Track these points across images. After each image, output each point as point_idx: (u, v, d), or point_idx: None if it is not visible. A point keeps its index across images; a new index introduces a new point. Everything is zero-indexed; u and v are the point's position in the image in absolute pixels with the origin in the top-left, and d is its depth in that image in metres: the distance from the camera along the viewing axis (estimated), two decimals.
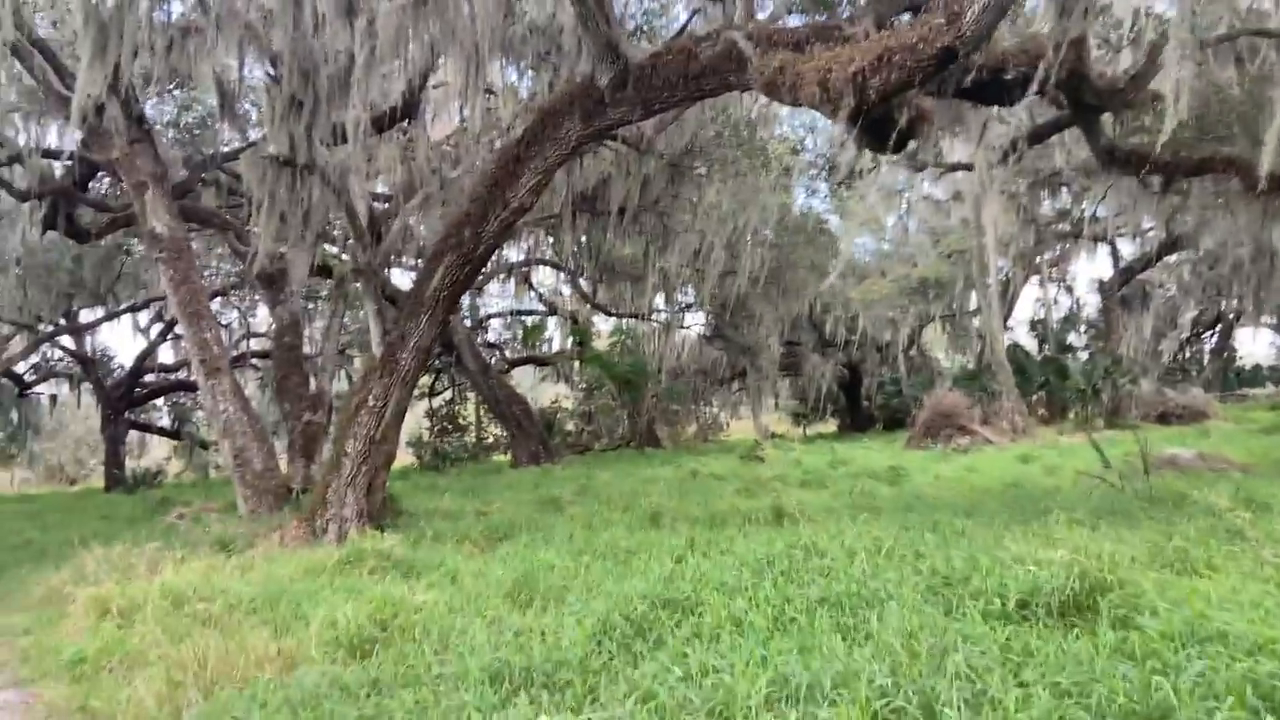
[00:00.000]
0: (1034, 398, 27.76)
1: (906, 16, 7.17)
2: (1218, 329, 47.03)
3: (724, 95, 14.34)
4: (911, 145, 6.81)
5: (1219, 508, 6.18)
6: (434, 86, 16.19)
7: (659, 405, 33.46)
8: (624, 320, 33.43)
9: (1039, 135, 19.30)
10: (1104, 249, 35.61)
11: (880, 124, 5.93)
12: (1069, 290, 45.38)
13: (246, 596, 6.60)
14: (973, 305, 42.18)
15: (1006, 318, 38.33)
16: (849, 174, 21.12)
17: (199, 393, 13.22)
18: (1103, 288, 31.09)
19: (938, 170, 25.90)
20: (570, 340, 32.52)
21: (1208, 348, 48.74)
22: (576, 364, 34.42)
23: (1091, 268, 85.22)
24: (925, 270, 28.56)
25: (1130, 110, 9.21)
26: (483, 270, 10.56)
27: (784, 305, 25.39)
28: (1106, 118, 10.25)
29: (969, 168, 20.92)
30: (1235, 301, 45.96)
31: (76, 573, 9.82)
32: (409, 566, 7.53)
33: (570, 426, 36.25)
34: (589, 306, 30.95)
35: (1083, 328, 43.90)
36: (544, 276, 32.96)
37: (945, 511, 8.19)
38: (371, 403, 10.79)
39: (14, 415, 35.97)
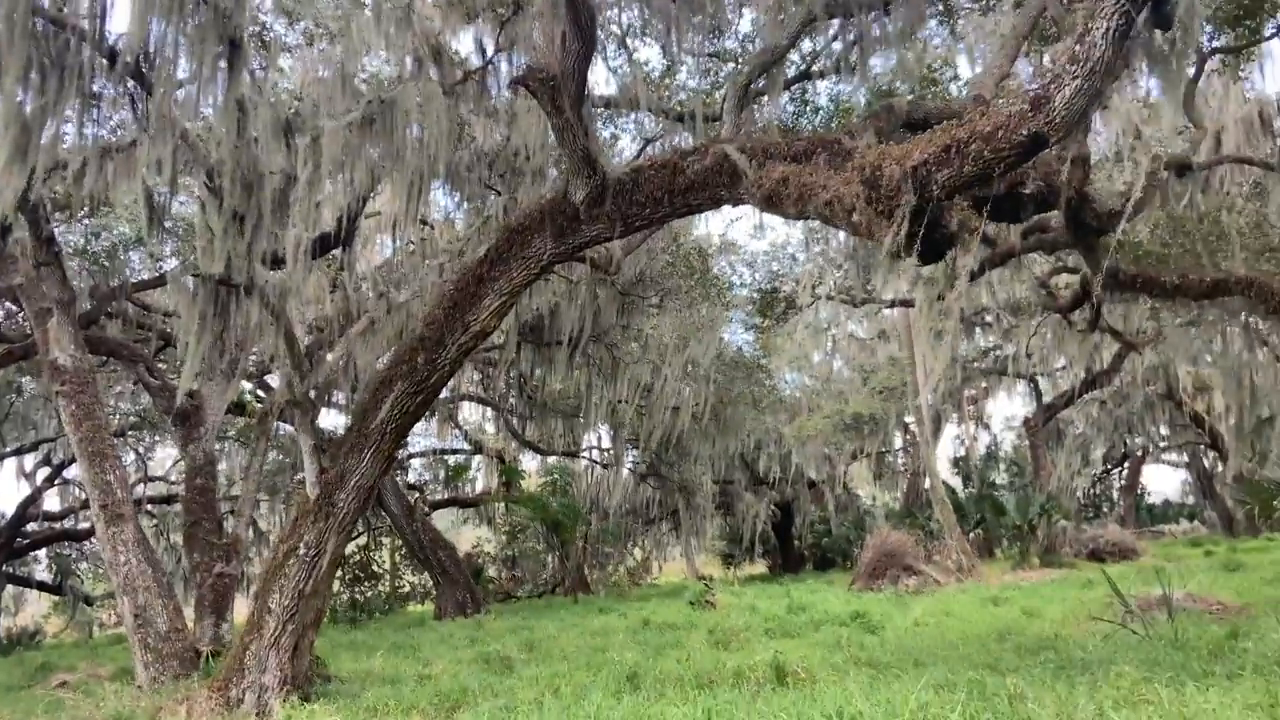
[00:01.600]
0: (970, 535, 27.45)
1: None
2: (1125, 466, 48.29)
3: (675, 224, 14.06)
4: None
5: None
6: (366, 216, 15.59)
7: (589, 548, 32.08)
8: (551, 460, 32.40)
9: (981, 270, 19.59)
10: (1022, 387, 36.49)
11: (928, 232, 5.41)
12: (986, 428, 46.30)
13: None
14: (897, 443, 42.54)
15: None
16: (784, 309, 21.04)
17: (97, 542, 11.69)
18: (1027, 424, 31.51)
19: (873, 307, 26.19)
20: (498, 480, 31.19)
21: (1115, 485, 49.95)
22: (502, 506, 33.00)
23: (1006, 406, 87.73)
24: (858, 406, 28.50)
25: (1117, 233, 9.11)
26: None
27: (721, 442, 24.80)
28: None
29: (909, 304, 21.09)
30: (1141, 439, 47.61)
31: None
32: None
33: (492, 572, 34.43)
34: (517, 445, 29.85)
35: (1003, 465, 44.54)
36: (468, 414, 31.85)
37: (964, 666, 7.34)
38: (303, 551, 9.54)
39: None
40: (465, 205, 14.64)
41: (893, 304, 21.59)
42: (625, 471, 31.32)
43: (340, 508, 9.54)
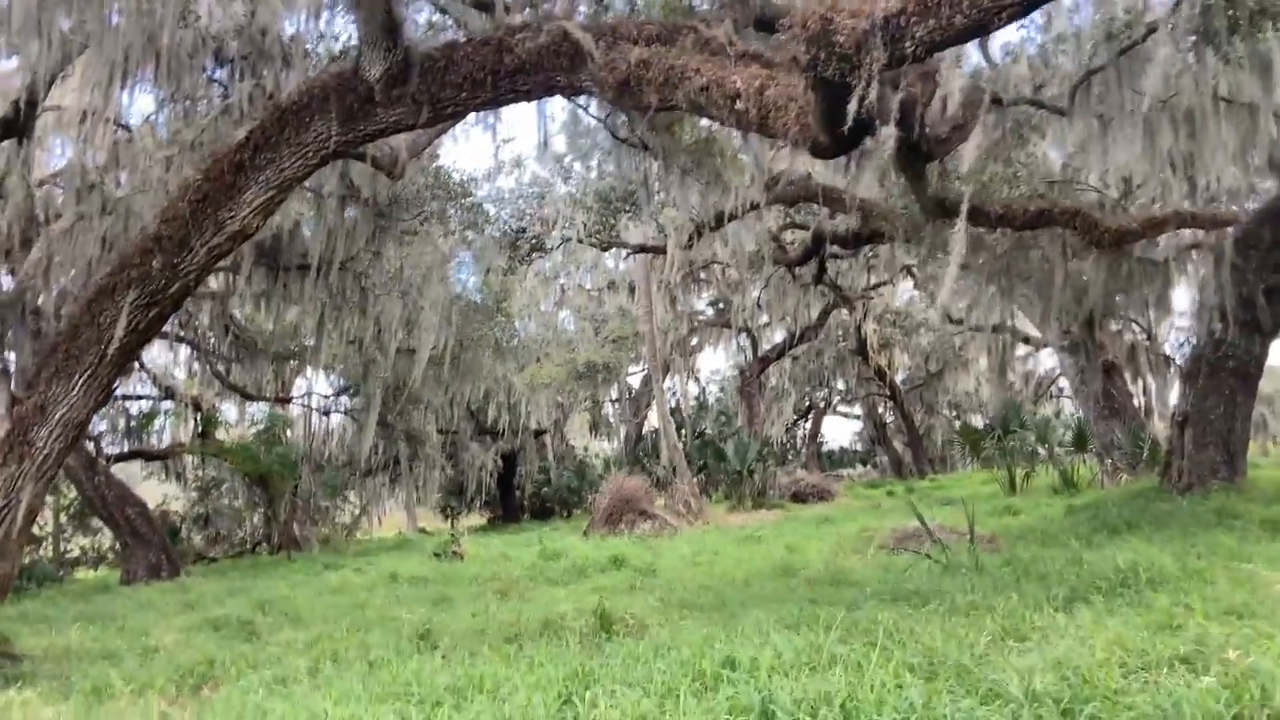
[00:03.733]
0: (692, 480, 28.46)
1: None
2: (810, 417, 52.87)
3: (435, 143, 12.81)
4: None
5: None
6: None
7: (300, 503, 29.62)
8: (254, 408, 29.44)
9: (727, 220, 19.93)
10: (737, 340, 38.43)
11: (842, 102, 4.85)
12: (696, 380, 48.58)
13: None
14: (620, 393, 43.40)
15: (648, 404, 39.79)
16: (530, 250, 20.28)
17: None
18: (744, 375, 33.16)
19: (618, 251, 26.08)
20: (194, 430, 27.81)
21: (799, 434, 54.57)
22: (194, 459, 29.61)
23: (712, 359, 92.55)
24: (591, 355, 28.44)
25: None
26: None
27: (456, 388, 23.66)
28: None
29: (655, 250, 21.09)
30: (825, 392, 52.31)
31: None
32: None
33: (183, 532, 30.95)
34: (219, 390, 26.75)
35: (711, 415, 46.94)
36: (156, 355, 28.06)
37: (788, 604, 7.13)
38: None
39: None
40: (180, 105, 12.33)
41: (641, 249, 21.52)
42: (339, 420, 29.19)
43: (40, 448, 7.59)
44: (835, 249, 21.68)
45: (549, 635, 6.83)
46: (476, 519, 40.71)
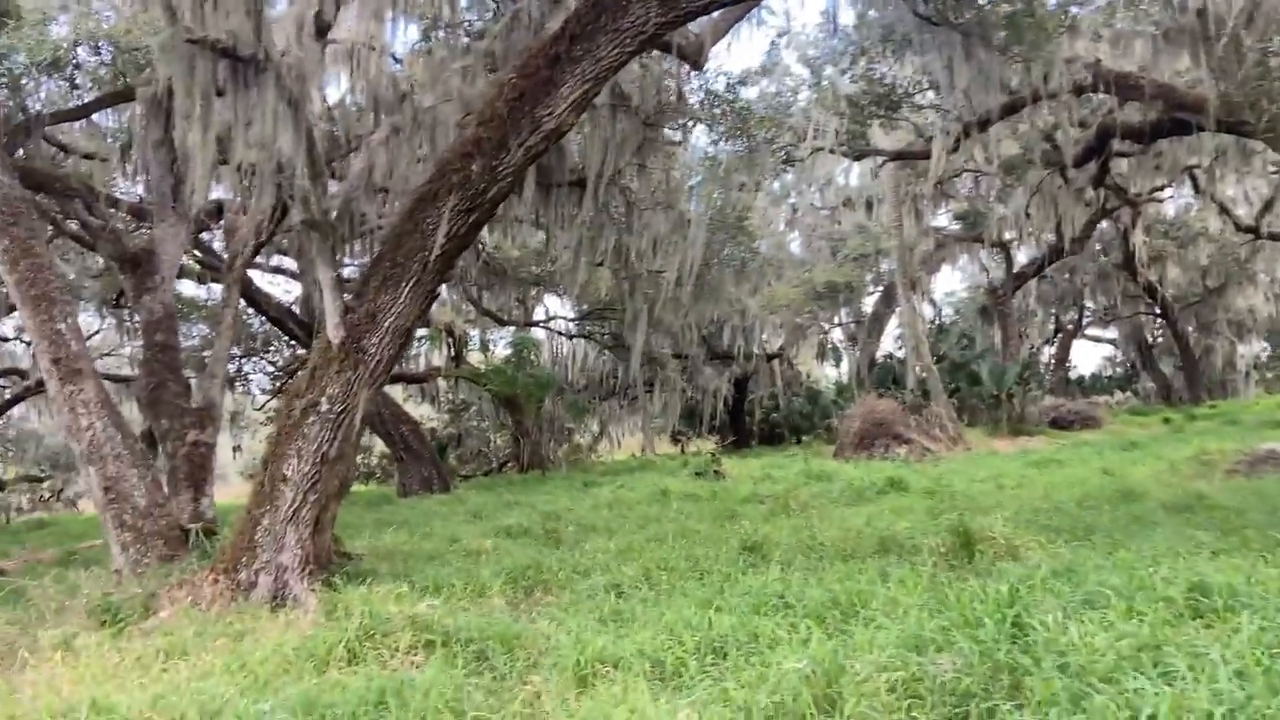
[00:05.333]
0: (948, 403, 27.02)
1: None
2: (1057, 340, 49.00)
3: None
4: None
5: None
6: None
7: (546, 424, 30.72)
8: (499, 332, 30.66)
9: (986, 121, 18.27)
10: (984, 257, 35.91)
11: None
12: (932, 303, 46.08)
13: None
14: (843, 317, 41.90)
15: (883, 329, 38.14)
16: (788, 161, 19.40)
17: (50, 402, 9.72)
18: (995, 294, 30.95)
19: (855, 168, 24.81)
20: (447, 355, 29.34)
21: (1043, 359, 50.73)
22: (449, 382, 31.30)
23: (948, 280, 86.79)
24: (830, 274, 27.36)
25: None
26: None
27: (697, 310, 23.38)
28: None
29: (912, 156, 19.71)
30: (1075, 313, 48.26)
31: None
32: (478, 652, 4.77)
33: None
34: (472, 316, 27.97)
35: (953, 338, 44.51)
36: None
37: (1179, 532, 6.22)
38: (325, 407, 7.86)
39: None
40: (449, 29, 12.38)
41: (899, 155, 20.16)
42: (583, 344, 29.84)
43: (371, 354, 7.83)
44: (1124, 146, 19.41)
45: (895, 554, 6.31)
46: (705, 444, 41.00)
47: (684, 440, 39.11)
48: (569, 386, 29.30)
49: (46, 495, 33.52)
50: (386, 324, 7.72)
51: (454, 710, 3.84)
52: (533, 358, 27.36)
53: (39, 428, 33.79)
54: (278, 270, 24.87)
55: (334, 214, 7.61)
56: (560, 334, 27.24)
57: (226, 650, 6.06)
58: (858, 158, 20.42)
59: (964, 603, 4.15)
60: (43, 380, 25.62)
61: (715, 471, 16.23)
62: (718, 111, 12.66)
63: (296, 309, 22.40)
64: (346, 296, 7.82)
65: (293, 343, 28.34)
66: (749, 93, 22.22)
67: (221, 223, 16.66)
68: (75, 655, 5.60)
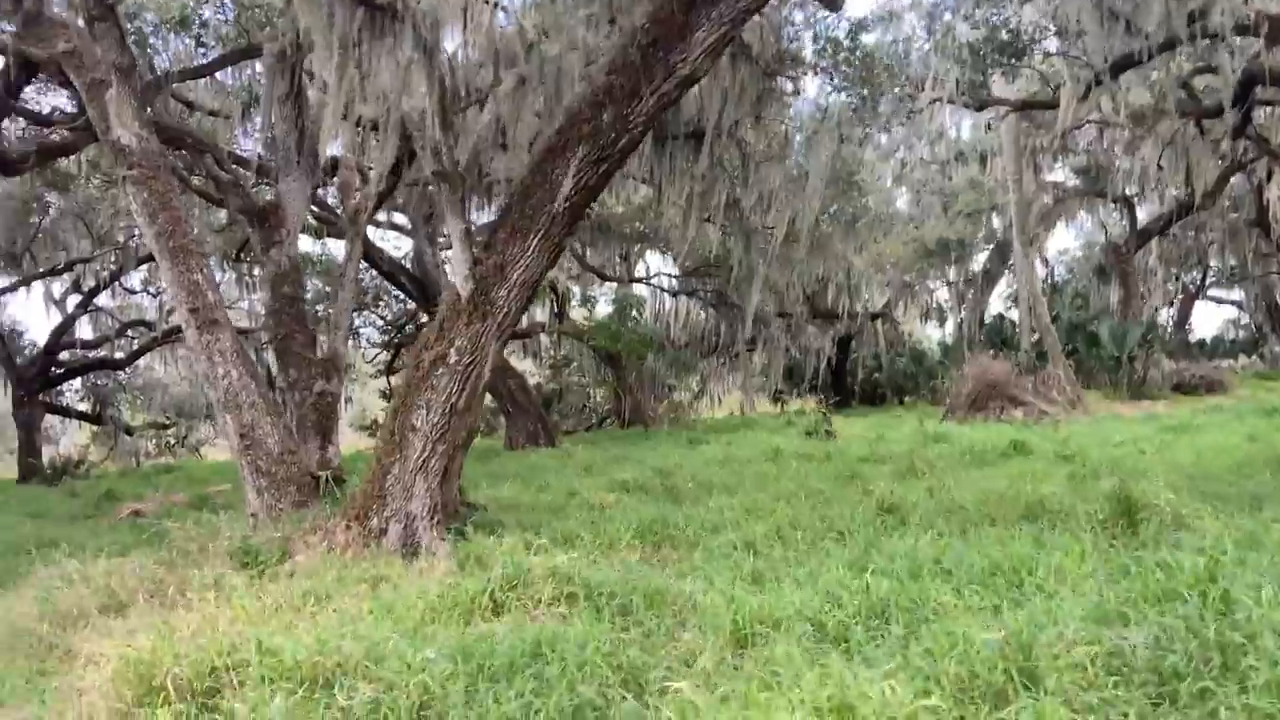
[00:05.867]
0: (1066, 365, 25.98)
1: None
2: (1177, 301, 46.54)
3: None
4: None
5: None
6: None
7: (647, 381, 30.76)
8: (601, 289, 30.71)
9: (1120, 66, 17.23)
10: (1102, 213, 34.19)
11: None
12: (1045, 262, 44.16)
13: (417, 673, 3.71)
14: (951, 275, 40.48)
15: (993, 287, 36.80)
16: (909, 115, 18.67)
17: (190, 352, 10.08)
18: (1118, 251, 29.45)
19: (967, 122, 23.83)
20: (550, 311, 29.57)
21: (1160, 320, 48.22)
22: (550, 337, 31.55)
23: (1062, 238, 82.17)
24: (943, 231, 26.42)
25: None
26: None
27: (806, 267, 22.91)
28: None
29: (1047, 106, 18.74)
30: (1197, 273, 45.68)
31: (46, 601, 6.76)
32: (622, 606, 4.70)
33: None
34: (577, 272, 28.06)
35: (1068, 297, 42.68)
36: None
37: None
38: (454, 358, 7.91)
39: None
40: None
41: (1023, 106, 19.21)
42: (685, 300, 29.60)
43: (500, 307, 7.84)
44: (1269, 94, 18.07)
45: (1045, 521, 6.01)
46: (805, 403, 40.46)
47: (784, 399, 38.75)
48: (670, 343, 29.23)
49: (171, 441, 35.21)
50: (515, 276, 7.70)
51: (610, 664, 3.78)
52: (635, 314, 27.34)
53: (164, 377, 35.51)
54: (391, 226, 25.37)
55: (463, 165, 7.57)
56: (665, 290, 27.07)
57: (365, 596, 6.20)
58: (979, 108, 19.53)
59: (1147, 573, 3.88)
60: (169, 331, 26.74)
61: (826, 431, 15.95)
62: (838, 59, 12.18)
63: (408, 264, 22.82)
64: (475, 249, 7.80)
65: (402, 298, 29.01)
66: (866, 39, 21.35)
67: (335, 179, 17.00)
68: (225, 596, 5.77)
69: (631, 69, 6.94)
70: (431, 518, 8.06)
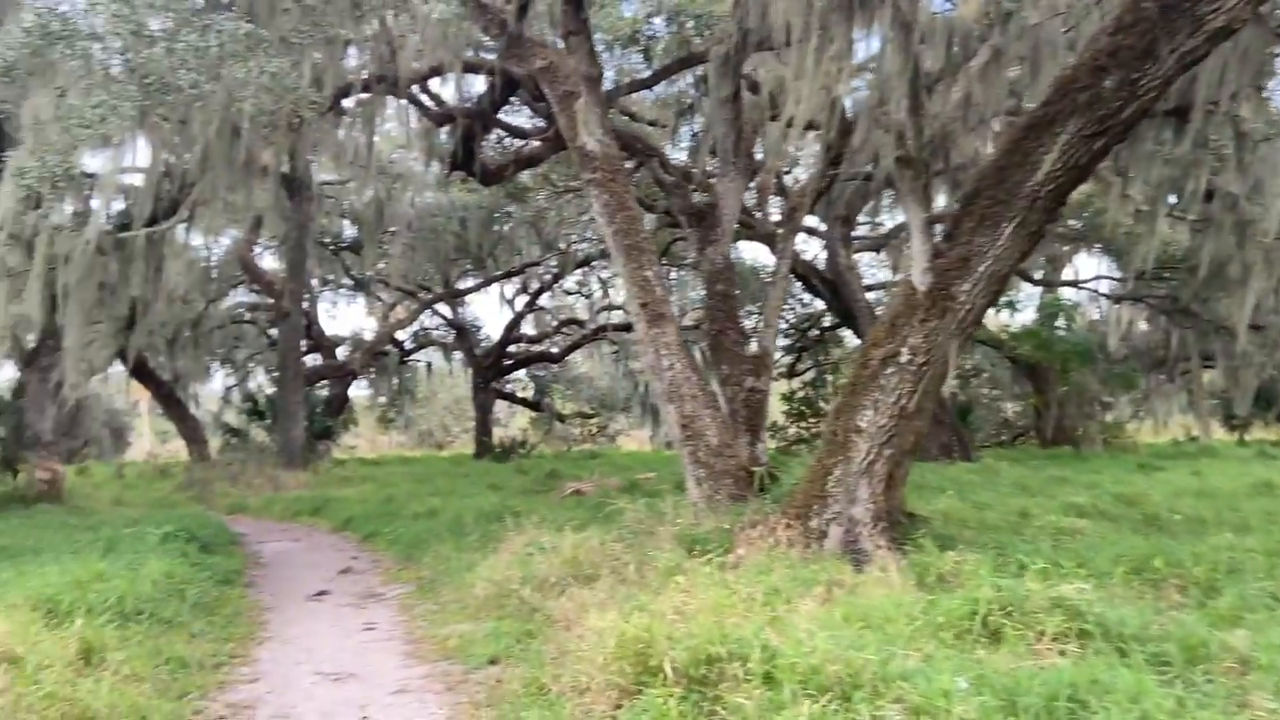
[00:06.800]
0: None
1: None
2: None
3: None
4: None
5: None
6: None
7: (1078, 396, 27.80)
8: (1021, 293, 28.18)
9: None
10: None
11: None
12: None
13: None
14: None
15: None
16: None
17: (637, 344, 10.66)
18: None
19: None
20: None
21: None
22: (963, 344, 29.60)
23: None
24: None
25: None
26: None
27: None
28: None
29: None
30: None
31: (525, 565, 7.34)
32: (1155, 655, 3.89)
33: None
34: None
35: None
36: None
37: None
38: (906, 357, 7.39)
39: (395, 381, 37.38)
40: None
41: None
42: (1127, 308, 26.24)
43: (961, 302, 7.19)
44: None
45: None
46: (1264, 433, 34.19)
47: (1244, 426, 33.04)
48: (1105, 356, 26.12)
49: (594, 430, 38.46)
50: (981, 268, 7.01)
51: None
52: (1064, 322, 24.81)
53: (589, 371, 38.99)
54: (798, 228, 25.42)
55: (926, 149, 7.04)
56: (1105, 296, 24.24)
57: (823, 599, 5.91)
58: None
59: None
60: (596, 330, 29.10)
61: None
62: None
63: (820, 265, 22.67)
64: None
65: (807, 301, 29.00)
66: None
67: (754, 183, 17.24)
68: (690, 582, 5.76)
69: (1145, 26, 5.93)
70: (874, 524, 7.63)
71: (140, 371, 24.01)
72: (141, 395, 37.17)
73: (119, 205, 13.42)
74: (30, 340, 17.95)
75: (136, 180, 13.88)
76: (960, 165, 8.31)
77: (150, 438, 43.16)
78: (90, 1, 7.39)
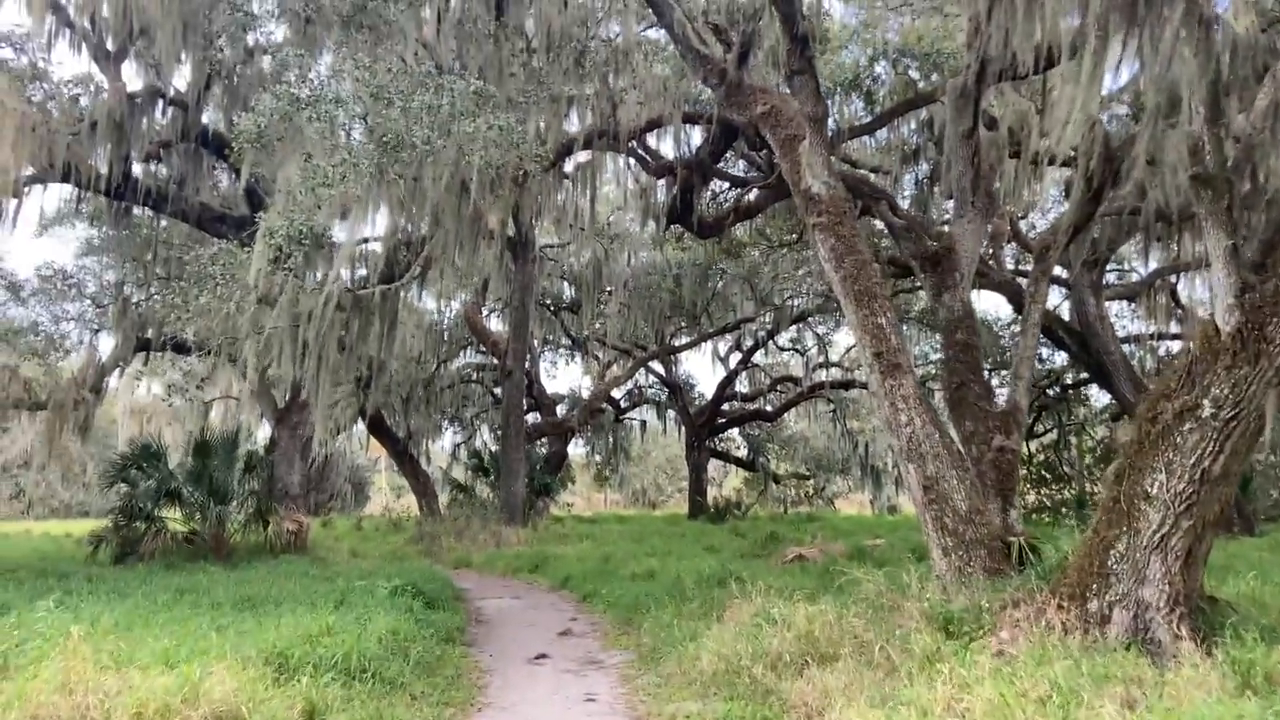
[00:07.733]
0: None
1: None
2: None
3: None
4: None
5: None
6: None
7: None
8: None
9: None
10: None
11: None
12: None
13: None
14: None
15: None
16: None
17: (871, 396, 9.86)
18: None
19: None
20: None
21: None
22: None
23: None
24: None
25: None
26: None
27: None
28: None
29: None
30: None
31: (754, 640, 6.69)
32: None
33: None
34: None
35: None
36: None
37: None
38: (1208, 410, 6.23)
39: (610, 439, 37.85)
40: None
41: None
42: None
43: (1278, 344, 5.98)
44: None
45: None
46: None
47: None
48: None
49: (810, 491, 37.15)
50: None
51: None
52: None
53: (804, 430, 37.84)
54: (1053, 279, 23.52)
55: (1230, 164, 5.95)
56: None
57: (1122, 699, 4.91)
58: None
59: None
60: (812, 387, 28.09)
61: None
62: None
63: (1064, 315, 20.81)
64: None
65: (1045, 355, 26.78)
66: None
67: (988, 226, 16.01)
68: (956, 673, 4.92)
69: None
70: (1172, 609, 6.41)
71: (377, 428, 25.47)
72: (380, 452, 39.72)
73: (360, 272, 14.26)
74: (282, 398, 19.35)
75: (375, 247, 14.70)
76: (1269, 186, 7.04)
77: (387, 492, 45.96)
78: (334, 69, 7.69)
